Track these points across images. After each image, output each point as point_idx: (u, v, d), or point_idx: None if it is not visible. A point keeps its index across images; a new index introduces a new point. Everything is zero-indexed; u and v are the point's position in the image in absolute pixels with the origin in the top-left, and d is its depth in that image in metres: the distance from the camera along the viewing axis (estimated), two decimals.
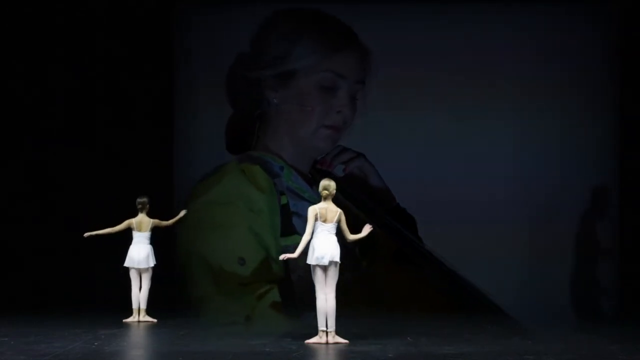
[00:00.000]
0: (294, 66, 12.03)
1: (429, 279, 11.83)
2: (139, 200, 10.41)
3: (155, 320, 10.22)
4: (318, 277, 8.44)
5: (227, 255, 11.70)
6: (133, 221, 10.38)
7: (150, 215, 10.45)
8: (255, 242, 11.71)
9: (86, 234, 10.32)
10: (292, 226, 11.69)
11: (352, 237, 8.54)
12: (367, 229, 8.59)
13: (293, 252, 8.62)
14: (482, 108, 12.03)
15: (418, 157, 12.01)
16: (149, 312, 10.30)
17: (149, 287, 10.33)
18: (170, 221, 10.62)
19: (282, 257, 8.61)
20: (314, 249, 8.40)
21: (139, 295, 10.31)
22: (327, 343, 8.34)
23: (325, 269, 8.40)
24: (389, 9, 12.13)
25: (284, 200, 11.83)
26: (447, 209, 11.84)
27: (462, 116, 12.02)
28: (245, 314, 11.07)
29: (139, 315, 10.27)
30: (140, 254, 10.30)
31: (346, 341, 8.41)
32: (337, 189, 8.74)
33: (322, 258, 8.34)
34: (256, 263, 11.61)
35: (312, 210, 8.50)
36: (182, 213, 10.68)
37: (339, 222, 8.48)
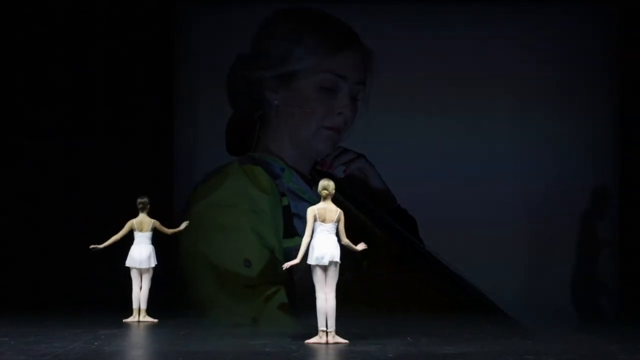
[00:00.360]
0: (294, 67, 12.02)
1: (430, 280, 11.82)
2: (139, 200, 10.40)
3: (156, 320, 10.21)
4: (318, 277, 8.44)
5: (232, 257, 11.69)
6: (134, 222, 10.38)
7: (150, 215, 10.45)
8: (259, 244, 11.71)
9: (92, 247, 10.27)
10: (293, 228, 11.68)
11: (346, 241, 8.50)
12: (361, 246, 8.56)
13: (295, 254, 8.61)
14: (482, 108, 12.03)
15: (418, 158, 12.00)
16: (149, 312, 10.30)
17: (149, 287, 10.33)
18: (171, 231, 10.54)
19: (285, 265, 8.58)
20: (313, 249, 8.39)
21: (140, 295, 10.31)
22: (327, 343, 8.34)
23: (325, 268, 8.40)
24: (389, 9, 12.12)
25: (285, 201, 11.83)
26: (447, 209, 11.84)
27: (462, 117, 12.02)
28: (251, 316, 10.93)
29: (139, 316, 10.27)
30: (142, 254, 10.29)
31: (346, 341, 8.41)
32: (338, 190, 8.73)
33: (322, 258, 8.34)
34: (262, 265, 11.61)
35: (311, 211, 8.50)
36: (184, 225, 10.62)
37: (338, 221, 8.48)
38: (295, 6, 12.39)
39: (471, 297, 11.68)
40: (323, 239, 8.39)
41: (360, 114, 12.06)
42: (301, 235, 10.95)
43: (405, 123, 12.03)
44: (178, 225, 10.65)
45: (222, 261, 11.69)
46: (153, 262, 10.35)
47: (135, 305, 10.29)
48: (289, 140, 12.11)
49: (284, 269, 8.60)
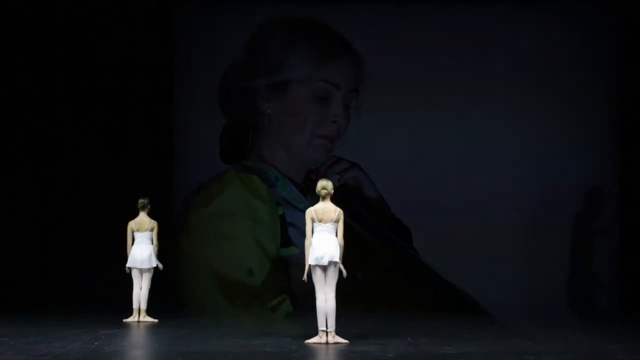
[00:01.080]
0: (287, 76, 11.99)
1: (423, 290, 11.77)
2: (140, 200, 10.43)
3: (156, 321, 10.22)
4: (318, 277, 8.43)
5: (235, 266, 11.68)
6: (132, 223, 10.40)
7: (151, 215, 10.46)
8: (261, 253, 11.69)
9: (127, 269, 10.34)
10: (288, 237, 11.66)
11: (341, 242, 8.50)
12: (343, 270, 8.53)
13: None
14: (478, 114, 12.00)
15: (412, 165, 11.95)
16: (149, 312, 10.31)
17: (149, 287, 10.34)
18: (155, 247, 10.42)
19: (305, 278, 8.51)
20: (313, 249, 8.39)
21: (140, 295, 10.31)
22: (327, 343, 8.34)
23: (324, 269, 8.40)
24: (380, 16, 12.08)
25: (280, 210, 11.80)
26: (442, 214, 11.83)
27: (459, 122, 11.99)
28: (259, 327, 10.21)
29: (139, 316, 10.27)
30: (143, 254, 10.30)
31: (346, 341, 8.41)
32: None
33: (322, 258, 8.34)
34: (264, 273, 11.61)
35: (309, 213, 8.51)
36: (158, 264, 10.49)
37: (338, 221, 8.47)
38: (289, 15, 12.32)
39: (466, 304, 11.62)
40: (322, 239, 8.39)
41: (352, 121, 12.04)
42: (296, 245, 10.94)
43: (399, 130, 11.98)
44: (176, 234, 10.71)
45: (225, 270, 11.68)
46: (154, 262, 10.36)
47: (135, 305, 10.29)
48: (282, 149, 12.09)
49: (305, 281, 8.50)
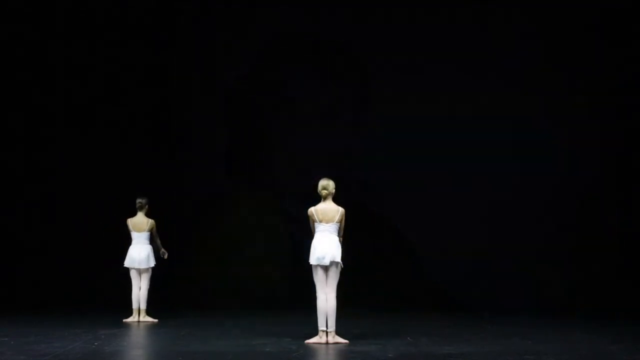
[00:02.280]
0: (294, 91, 12.00)
1: (425, 293, 11.80)
2: (138, 200, 10.43)
3: (156, 320, 10.22)
4: (319, 276, 8.43)
5: (260, 281, 11.81)
6: (130, 222, 10.40)
7: (149, 215, 10.47)
8: (282, 268, 11.86)
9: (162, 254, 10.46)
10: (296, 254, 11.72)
11: (341, 240, 8.53)
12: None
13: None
14: (480, 115, 12.01)
15: (418, 174, 11.98)
16: (149, 312, 10.31)
17: (148, 287, 10.34)
18: (157, 242, 10.51)
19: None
20: (315, 249, 8.39)
21: (139, 295, 10.32)
22: (327, 343, 8.34)
23: (326, 269, 8.40)
24: (390, 25, 12.10)
25: (290, 227, 11.88)
26: (445, 213, 11.85)
27: (462, 128, 12.01)
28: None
29: (139, 316, 10.27)
30: (140, 254, 10.30)
31: (346, 341, 8.41)
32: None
33: (323, 258, 8.34)
34: (289, 288, 11.75)
35: (310, 214, 8.52)
36: (163, 253, 10.57)
37: (340, 221, 8.48)
38: (295, 31, 12.32)
39: (465, 305, 11.63)
40: (324, 239, 8.39)
41: (361, 136, 12.04)
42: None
43: (405, 144, 11.98)
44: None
45: (251, 285, 11.79)
46: (152, 262, 10.36)
47: (135, 306, 10.30)
48: (289, 165, 12.09)
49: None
